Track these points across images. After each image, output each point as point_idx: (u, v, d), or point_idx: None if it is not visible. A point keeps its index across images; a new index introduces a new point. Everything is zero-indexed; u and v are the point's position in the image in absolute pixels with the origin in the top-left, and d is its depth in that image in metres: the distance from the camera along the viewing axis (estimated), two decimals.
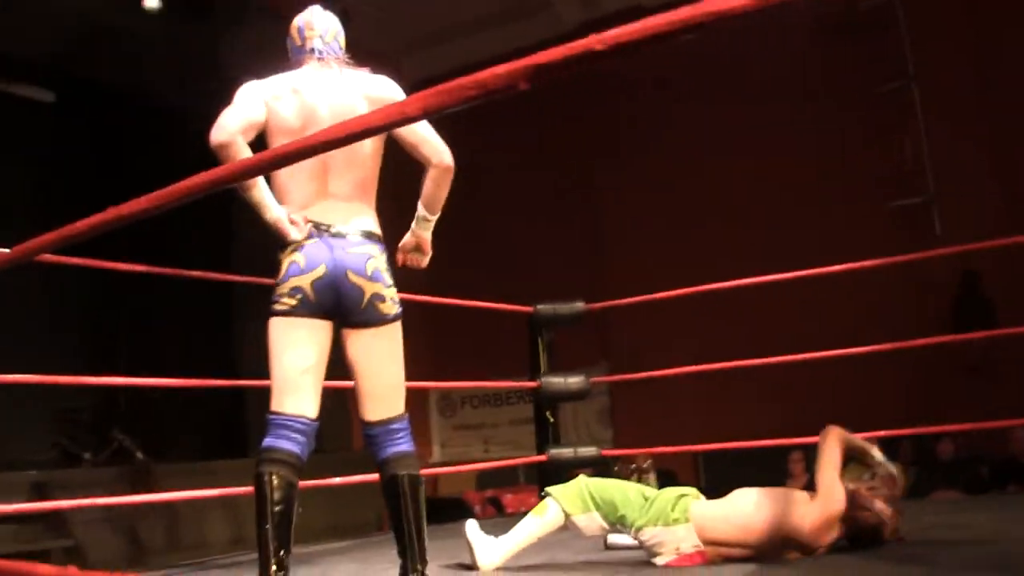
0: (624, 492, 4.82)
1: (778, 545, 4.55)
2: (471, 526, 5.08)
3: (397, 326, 4.07)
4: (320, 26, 4.23)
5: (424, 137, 4.11)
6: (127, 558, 7.74)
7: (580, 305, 7.91)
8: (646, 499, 4.76)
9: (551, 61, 1.58)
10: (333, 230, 3.95)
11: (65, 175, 10.43)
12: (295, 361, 3.93)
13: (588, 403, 13.03)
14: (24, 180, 10.38)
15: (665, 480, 10.06)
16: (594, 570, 4.83)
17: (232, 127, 3.86)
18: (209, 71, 10.09)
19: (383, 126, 1.82)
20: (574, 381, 7.78)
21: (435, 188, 4.18)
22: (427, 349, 12.89)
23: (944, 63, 11.15)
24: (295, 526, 3.81)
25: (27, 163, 10.77)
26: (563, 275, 12.23)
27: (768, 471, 10.13)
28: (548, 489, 5.03)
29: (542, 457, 7.64)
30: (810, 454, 9.91)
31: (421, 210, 4.24)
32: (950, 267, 10.42)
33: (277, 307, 3.92)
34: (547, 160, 13.64)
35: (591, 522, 4.90)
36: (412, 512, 3.99)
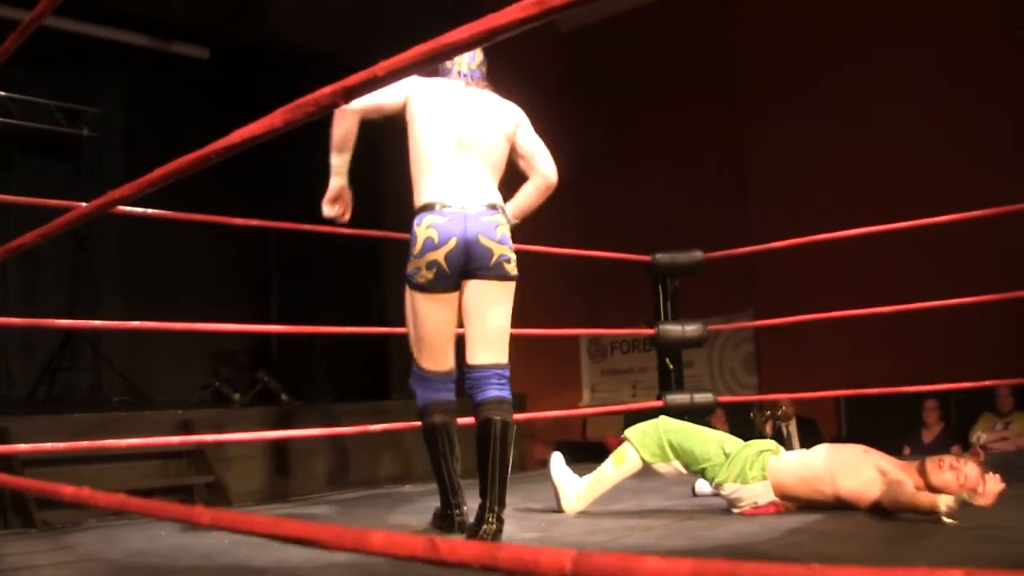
0: (704, 445, 4.87)
1: (843, 503, 4.58)
2: (557, 468, 5.21)
3: (513, 287, 4.46)
4: (465, 56, 4.61)
5: (535, 152, 4.69)
6: (265, 494, 8.06)
7: (698, 254, 7.96)
8: (727, 455, 4.80)
9: (354, 84, 1.84)
10: (464, 203, 4.35)
11: (220, 129, 10.83)
12: (433, 329, 4.45)
13: (734, 349, 13.09)
14: (182, 133, 10.74)
15: (805, 428, 10.11)
16: (665, 516, 4.89)
17: (358, 103, 4.36)
18: (361, 26, 10.33)
19: (261, 135, 2.09)
20: (691, 329, 7.82)
21: (532, 198, 4.75)
22: (577, 296, 13.11)
23: None
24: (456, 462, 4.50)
25: (185, 117, 11.19)
26: (711, 221, 12.24)
27: (907, 419, 10.14)
28: (627, 434, 5.14)
29: (659, 403, 7.74)
30: (948, 402, 9.96)
31: (509, 211, 4.63)
32: None
33: (416, 279, 4.39)
34: (697, 112, 13.62)
35: (671, 468, 5.02)
36: (499, 456, 4.27)
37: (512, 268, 4.41)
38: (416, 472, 8.32)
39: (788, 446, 9.61)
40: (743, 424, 9.21)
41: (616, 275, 11.08)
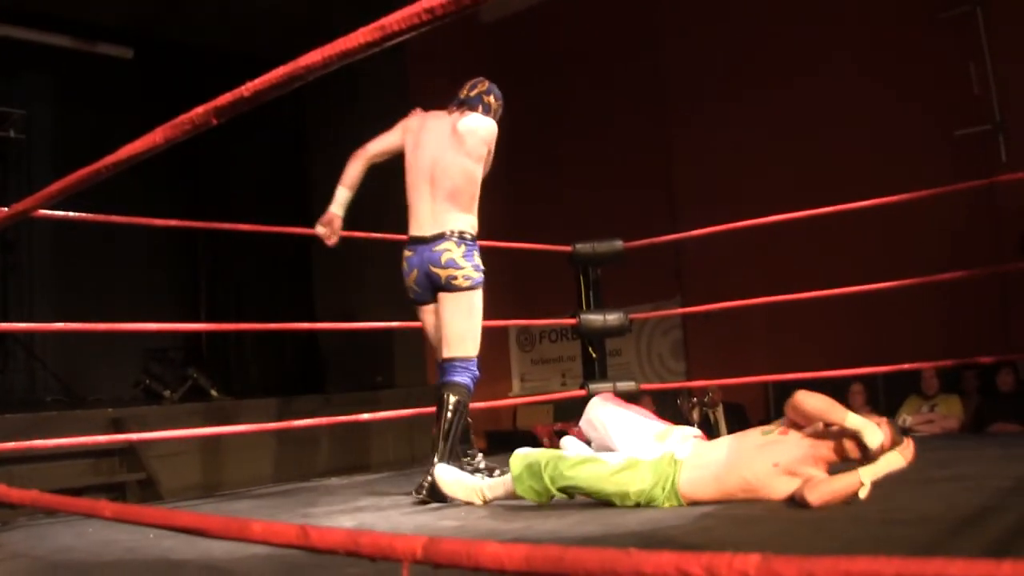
0: (603, 490, 4.58)
1: (759, 497, 4.40)
2: (452, 489, 5.06)
3: (469, 293, 5.49)
4: (469, 84, 5.90)
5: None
6: (198, 489, 8.09)
7: (618, 243, 8.11)
8: (636, 503, 4.53)
9: (225, 104, 1.96)
10: (424, 236, 5.53)
11: (146, 129, 10.81)
12: (427, 331, 5.84)
13: (662, 337, 13.24)
14: (109, 134, 10.74)
15: (733, 413, 10.25)
16: (582, 504, 4.77)
17: (371, 149, 5.78)
18: (284, 26, 10.39)
19: (144, 151, 2.24)
20: (612, 318, 7.99)
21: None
22: (507, 286, 13.16)
23: None
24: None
25: (111, 118, 11.15)
26: (641, 211, 12.40)
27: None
28: (515, 484, 4.77)
29: (582, 392, 7.83)
30: (874, 385, 10.09)
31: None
32: (1018, 196, 10.36)
33: (407, 296, 5.76)
34: (624, 102, 13.75)
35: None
36: (444, 419, 5.38)
37: (460, 282, 5.45)
38: (346, 464, 8.42)
39: (716, 432, 9.76)
40: (670, 411, 9.30)
41: (545, 265, 11.15)
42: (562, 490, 4.65)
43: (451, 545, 1.34)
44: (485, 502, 5.01)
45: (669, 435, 5.01)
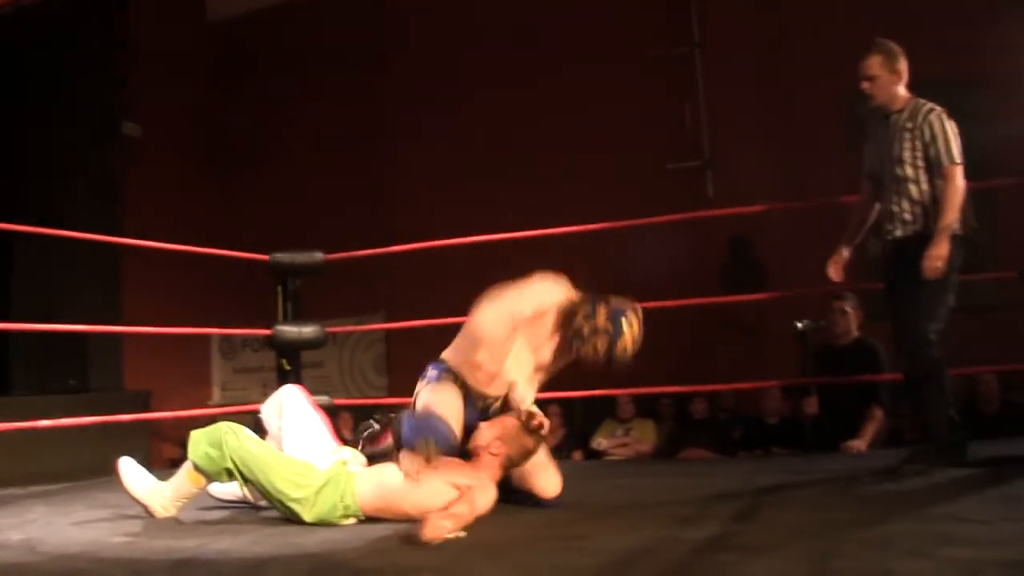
0: (272, 483, 4.61)
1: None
2: (131, 481, 4.98)
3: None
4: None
5: None
6: None
7: (318, 255, 8.08)
8: (311, 490, 4.57)
9: None
10: None
11: None
12: None
13: (365, 351, 13.23)
14: None
15: None
16: (260, 521, 4.84)
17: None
18: None
19: None
20: (308, 330, 7.98)
21: None
22: (212, 294, 12.90)
23: (728, 31, 11.40)
24: None
25: None
26: (352, 223, 12.36)
27: None
28: (191, 455, 4.78)
29: None
30: (571, 408, 10.21)
31: None
32: (721, 231, 10.67)
33: None
34: (342, 113, 13.71)
35: (235, 489, 5.05)
36: None
37: None
38: (28, 473, 8.09)
39: None
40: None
41: (250, 274, 10.99)
42: (234, 465, 4.63)
43: None
44: (164, 504, 4.93)
45: (339, 453, 4.94)
